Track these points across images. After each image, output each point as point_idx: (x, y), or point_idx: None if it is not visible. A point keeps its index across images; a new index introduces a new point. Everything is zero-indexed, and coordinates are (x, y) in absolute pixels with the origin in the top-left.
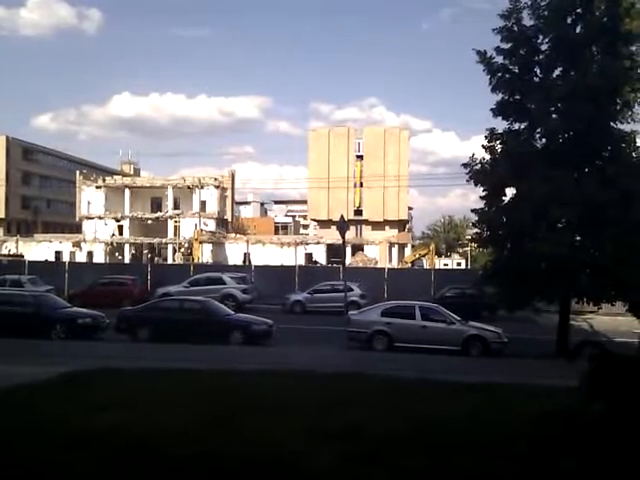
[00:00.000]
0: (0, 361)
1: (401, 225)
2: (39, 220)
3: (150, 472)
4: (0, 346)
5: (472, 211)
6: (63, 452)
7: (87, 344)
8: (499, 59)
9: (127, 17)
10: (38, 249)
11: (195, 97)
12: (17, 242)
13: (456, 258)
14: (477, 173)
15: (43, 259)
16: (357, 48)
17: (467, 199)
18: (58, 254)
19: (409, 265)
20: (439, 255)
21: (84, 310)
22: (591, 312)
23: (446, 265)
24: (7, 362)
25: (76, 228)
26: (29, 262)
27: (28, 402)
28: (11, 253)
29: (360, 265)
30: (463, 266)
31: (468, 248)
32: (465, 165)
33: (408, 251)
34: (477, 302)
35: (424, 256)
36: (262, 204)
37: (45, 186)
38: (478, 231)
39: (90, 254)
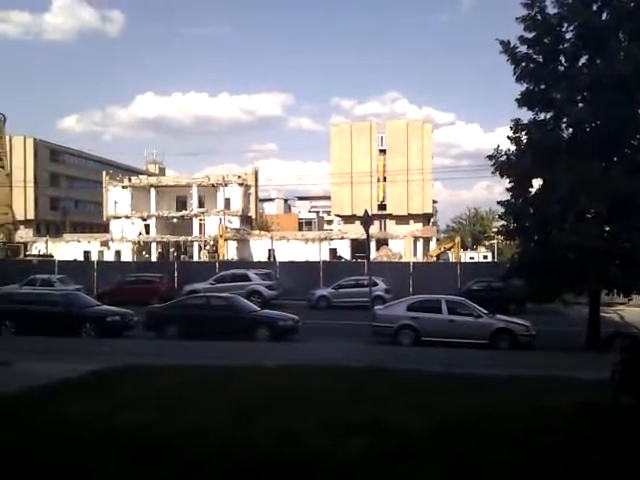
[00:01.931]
0: (33, 359)
1: (425, 219)
2: (68, 220)
3: (175, 469)
4: (32, 344)
5: (498, 203)
6: (90, 449)
7: (116, 342)
8: (523, 49)
9: (149, 17)
10: (67, 249)
11: (217, 96)
12: (47, 242)
13: (482, 251)
14: (502, 165)
15: (72, 259)
16: (377, 42)
17: (492, 191)
18: (87, 253)
19: (434, 259)
20: (465, 248)
21: (113, 308)
22: (621, 303)
23: (472, 258)
24: (39, 360)
25: (104, 228)
26: (59, 262)
27: (58, 399)
28: (41, 253)
29: (384, 259)
30: (489, 259)
31: (494, 241)
32: (490, 157)
33: (433, 245)
34: (504, 295)
35: (449, 249)
36: (286, 201)
37: (73, 187)
38: (504, 223)
39: (118, 253)
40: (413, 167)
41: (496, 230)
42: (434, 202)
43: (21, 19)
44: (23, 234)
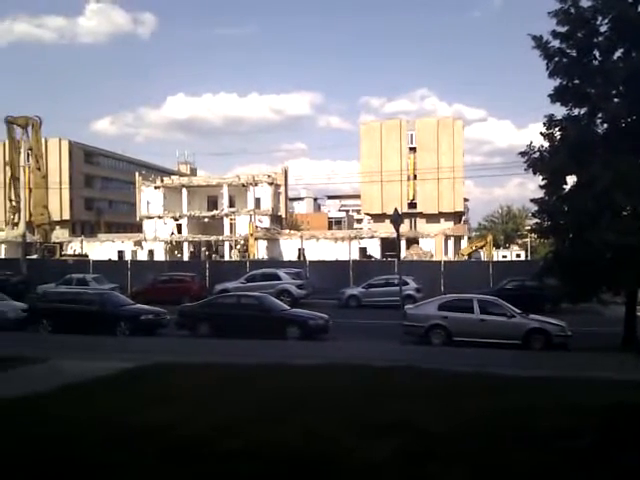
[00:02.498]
0: (69, 357)
1: (457, 217)
2: (102, 220)
3: (206, 465)
4: (69, 343)
5: (531, 201)
6: (124, 445)
7: (150, 340)
8: (556, 43)
9: (179, 19)
10: (101, 248)
11: (247, 96)
12: (82, 242)
13: (515, 249)
14: (536, 161)
15: (106, 258)
16: (406, 39)
17: (525, 188)
18: (120, 253)
19: (466, 257)
20: (497, 247)
21: (146, 307)
22: None
23: (505, 257)
24: (75, 358)
25: (137, 228)
26: (93, 261)
27: (93, 397)
28: (76, 253)
29: (415, 258)
30: (523, 257)
31: (528, 239)
32: (523, 154)
33: (464, 243)
34: (538, 294)
35: (481, 248)
36: (315, 199)
37: (106, 188)
38: (538, 221)
39: (151, 252)
40: (444, 165)
41: (529, 228)
42: (465, 200)
43: (56, 24)
44: (59, 234)
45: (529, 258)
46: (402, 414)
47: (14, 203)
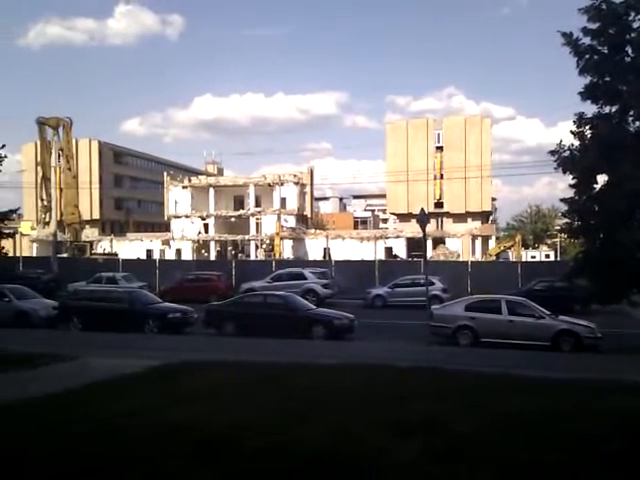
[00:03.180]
0: (98, 354)
1: (484, 216)
2: (131, 220)
3: (233, 462)
4: (98, 340)
5: (561, 200)
6: (153, 441)
7: (177, 338)
8: (586, 40)
9: (207, 20)
10: (130, 247)
11: (273, 96)
12: (111, 241)
13: (544, 250)
14: (566, 160)
15: (135, 257)
16: (433, 37)
17: (555, 188)
18: (149, 252)
19: (493, 258)
20: (526, 247)
21: (174, 305)
22: None
23: (533, 257)
24: (105, 355)
25: (165, 227)
26: (123, 260)
27: (123, 394)
28: (106, 252)
29: (441, 258)
30: (552, 258)
31: (557, 239)
32: (552, 152)
33: (492, 243)
34: (568, 295)
35: (509, 248)
36: (341, 199)
37: (135, 187)
38: (568, 221)
39: (178, 251)
40: (471, 163)
41: (559, 228)
42: (493, 199)
43: (86, 26)
44: (89, 233)
45: (558, 258)
46: (429, 414)
47: (45, 203)
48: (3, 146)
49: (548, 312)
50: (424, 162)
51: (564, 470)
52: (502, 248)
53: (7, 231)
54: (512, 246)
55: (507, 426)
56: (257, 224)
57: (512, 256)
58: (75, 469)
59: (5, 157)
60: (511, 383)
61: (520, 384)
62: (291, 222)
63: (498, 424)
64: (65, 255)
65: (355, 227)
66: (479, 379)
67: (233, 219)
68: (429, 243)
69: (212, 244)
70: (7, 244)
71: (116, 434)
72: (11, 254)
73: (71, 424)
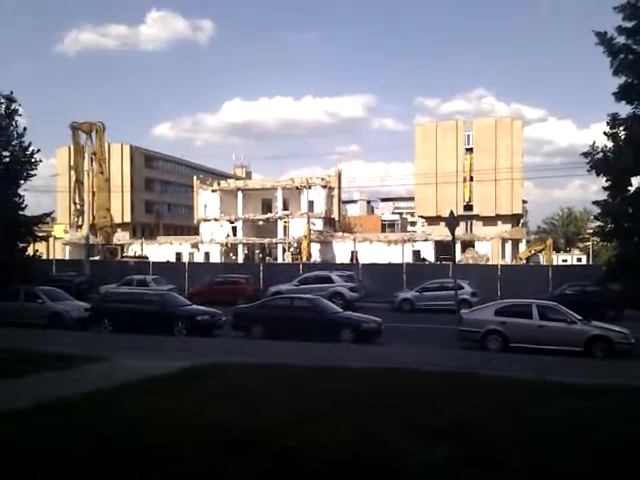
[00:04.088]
0: (129, 356)
1: (515, 220)
2: (161, 223)
3: (259, 463)
4: (129, 342)
5: (594, 203)
6: (182, 441)
7: (206, 340)
8: (621, 39)
9: (236, 25)
10: (160, 250)
11: (301, 99)
12: (142, 244)
13: (576, 253)
14: (599, 162)
15: (165, 260)
16: (462, 38)
17: (587, 190)
18: (178, 255)
19: (524, 261)
20: (557, 250)
21: (203, 308)
22: None
23: (565, 261)
24: (135, 357)
25: (194, 230)
26: (153, 263)
27: (153, 395)
28: (136, 255)
29: (471, 262)
30: (584, 262)
31: (590, 243)
32: (585, 154)
33: (523, 247)
34: (600, 300)
35: (540, 252)
36: (369, 202)
37: (166, 191)
38: (601, 224)
39: (207, 254)
40: (502, 166)
41: (592, 231)
42: (524, 202)
43: (118, 32)
44: (120, 236)
45: (591, 262)
46: (458, 419)
47: (78, 206)
48: (38, 150)
49: (580, 317)
50: (453, 164)
51: (597, 478)
52: (533, 252)
53: (41, 234)
54: (543, 250)
55: (539, 432)
56: (285, 227)
57: (543, 260)
58: (108, 467)
59: (40, 161)
60: (543, 389)
61: (553, 390)
62: (318, 225)
63: (530, 430)
64: (97, 258)
65: (383, 230)
66: (510, 384)
67: (261, 222)
68: (458, 246)
69: (240, 247)
70: (41, 247)
71: (147, 434)
72: (45, 257)
73: (104, 423)
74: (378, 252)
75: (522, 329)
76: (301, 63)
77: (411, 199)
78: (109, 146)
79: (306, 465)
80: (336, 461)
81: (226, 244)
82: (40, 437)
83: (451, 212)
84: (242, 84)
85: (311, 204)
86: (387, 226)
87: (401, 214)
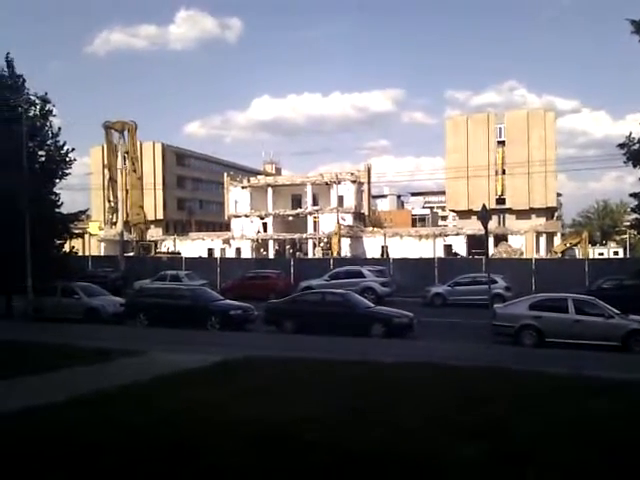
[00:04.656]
0: (164, 349)
1: (549, 213)
2: (193, 220)
3: (290, 457)
4: (164, 336)
5: (631, 195)
6: (217, 432)
7: (238, 335)
8: None
9: (264, 23)
10: (192, 246)
11: (329, 95)
12: (174, 240)
13: (612, 246)
14: (635, 153)
15: (197, 255)
16: (491, 29)
17: (624, 182)
18: (210, 250)
19: (559, 255)
20: (593, 244)
21: (235, 302)
22: None
23: (601, 254)
24: (170, 350)
25: (225, 226)
26: (185, 258)
27: (188, 387)
28: (169, 251)
29: (504, 256)
30: (621, 255)
31: (626, 235)
32: (621, 145)
33: (557, 240)
34: (638, 294)
35: (576, 245)
36: (399, 197)
37: (197, 188)
38: (638, 216)
39: (238, 250)
40: (535, 158)
41: (628, 224)
42: (558, 195)
43: (148, 32)
44: (153, 233)
45: (628, 256)
46: (494, 416)
47: (112, 204)
48: (72, 149)
49: (617, 311)
50: (485, 157)
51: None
52: (568, 245)
53: (77, 231)
54: (578, 243)
55: (579, 429)
56: (315, 223)
57: (578, 253)
58: (145, 457)
59: (74, 160)
60: (582, 384)
61: (592, 386)
62: (348, 220)
63: (569, 427)
64: (131, 254)
65: (413, 225)
66: (546, 380)
67: (291, 218)
68: (491, 240)
69: (271, 243)
70: (77, 244)
71: (183, 425)
72: (81, 253)
73: (141, 415)
74: (409, 247)
75: (558, 324)
76: (329, 59)
77: (442, 193)
78: (141, 145)
79: (339, 460)
80: (369, 456)
81: (257, 240)
82: (77, 429)
83: (484, 205)
84: (270, 81)
85: (341, 199)
86: (417, 220)
87: (432, 208)
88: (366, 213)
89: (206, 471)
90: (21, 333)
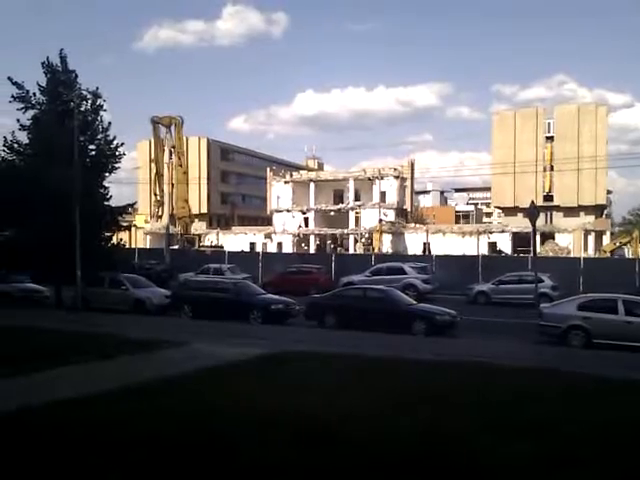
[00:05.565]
0: (207, 341)
1: (598, 210)
2: (236, 214)
3: (342, 454)
4: (207, 328)
5: None
6: (255, 428)
7: (280, 328)
8: None
9: (310, 17)
10: (235, 240)
11: (374, 89)
12: (217, 234)
13: None
14: None
15: (239, 249)
16: (540, 22)
17: None
18: (252, 244)
19: (608, 255)
20: None
21: (277, 297)
22: None
23: None
24: (213, 342)
25: (267, 221)
26: (228, 252)
27: (231, 379)
28: (213, 244)
29: (550, 255)
30: None
31: None
32: None
33: (607, 239)
34: None
35: (626, 244)
36: (442, 193)
37: (240, 183)
38: None
39: (279, 245)
40: (584, 154)
41: None
42: (608, 192)
43: (196, 28)
44: (197, 226)
45: None
46: (540, 417)
47: (159, 197)
48: (122, 144)
49: None
50: (532, 153)
51: None
52: (618, 244)
53: (125, 224)
54: (629, 242)
55: (628, 433)
56: (356, 218)
57: (628, 253)
58: (191, 446)
59: (124, 154)
60: (633, 388)
61: None
62: (390, 216)
63: (618, 430)
64: (176, 247)
65: (457, 221)
66: (598, 382)
67: (333, 213)
68: (537, 239)
69: (312, 238)
70: (124, 236)
71: (228, 417)
72: (127, 246)
73: (187, 405)
74: (451, 244)
75: (607, 325)
76: (374, 53)
77: (486, 189)
78: (187, 139)
79: (382, 458)
80: (413, 456)
81: (298, 234)
82: (126, 418)
83: (532, 202)
84: (314, 76)
85: (383, 195)
86: (461, 217)
87: (476, 205)
88: (408, 209)
89: (253, 464)
90: (70, 323)
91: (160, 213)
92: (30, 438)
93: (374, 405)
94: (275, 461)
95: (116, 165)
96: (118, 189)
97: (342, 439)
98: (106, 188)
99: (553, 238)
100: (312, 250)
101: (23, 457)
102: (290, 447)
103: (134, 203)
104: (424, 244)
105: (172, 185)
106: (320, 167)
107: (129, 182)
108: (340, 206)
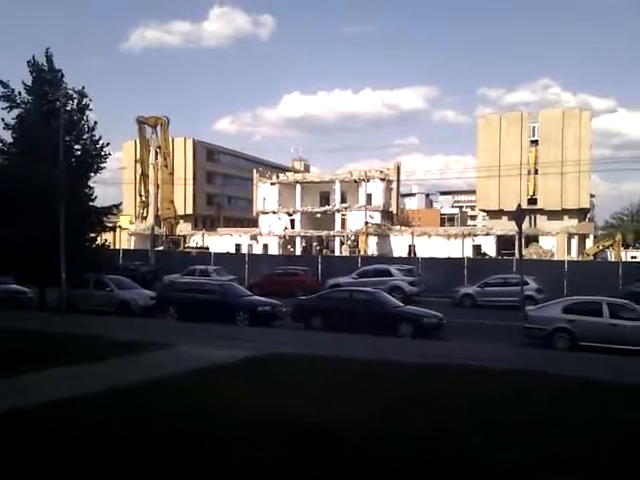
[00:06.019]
0: (193, 343)
1: (581, 214)
2: (221, 215)
3: (331, 455)
4: (193, 330)
5: None
6: (245, 429)
7: (266, 330)
8: None
9: (296, 20)
10: (221, 241)
11: (360, 92)
12: (203, 235)
13: None
14: None
15: (225, 251)
16: (525, 26)
17: None
18: (238, 246)
19: (591, 258)
20: (626, 246)
21: (263, 299)
22: None
23: (634, 257)
24: (199, 344)
25: (253, 222)
26: (214, 254)
27: (219, 382)
28: (198, 245)
29: (534, 257)
30: None
31: None
32: None
33: (590, 242)
34: None
35: (609, 247)
36: (427, 195)
37: (226, 184)
38: None
39: (265, 246)
40: (568, 158)
41: None
42: (591, 196)
43: (182, 29)
44: (183, 228)
45: None
46: (533, 419)
47: (144, 198)
48: (108, 144)
49: None
50: (517, 157)
51: None
52: (601, 247)
53: (109, 225)
54: (611, 245)
55: (619, 435)
56: (342, 220)
57: (611, 256)
58: (181, 447)
59: (109, 154)
60: (623, 391)
61: (634, 392)
62: (376, 218)
63: (607, 431)
64: (161, 248)
65: (442, 224)
66: (586, 385)
67: (319, 215)
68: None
69: (298, 239)
70: (108, 237)
71: (217, 419)
72: (111, 247)
73: (174, 407)
74: (437, 246)
75: (593, 327)
76: (360, 56)
77: (471, 192)
78: (173, 140)
79: (373, 460)
80: (407, 458)
81: (284, 236)
82: (115, 420)
83: (519, 205)
84: (301, 78)
85: (369, 197)
86: (446, 220)
87: (461, 208)
88: (394, 211)
89: (242, 465)
90: (55, 325)
91: (145, 214)
92: (19, 440)
93: (363, 407)
94: (266, 462)
95: (102, 165)
96: (103, 189)
97: (332, 441)
98: (91, 188)
99: (537, 241)
100: (298, 252)
101: (12, 459)
102: (280, 449)
103: (119, 204)
104: (409, 246)
105: (157, 186)
106: (306, 169)
107: (114, 182)
108: (326, 208)
